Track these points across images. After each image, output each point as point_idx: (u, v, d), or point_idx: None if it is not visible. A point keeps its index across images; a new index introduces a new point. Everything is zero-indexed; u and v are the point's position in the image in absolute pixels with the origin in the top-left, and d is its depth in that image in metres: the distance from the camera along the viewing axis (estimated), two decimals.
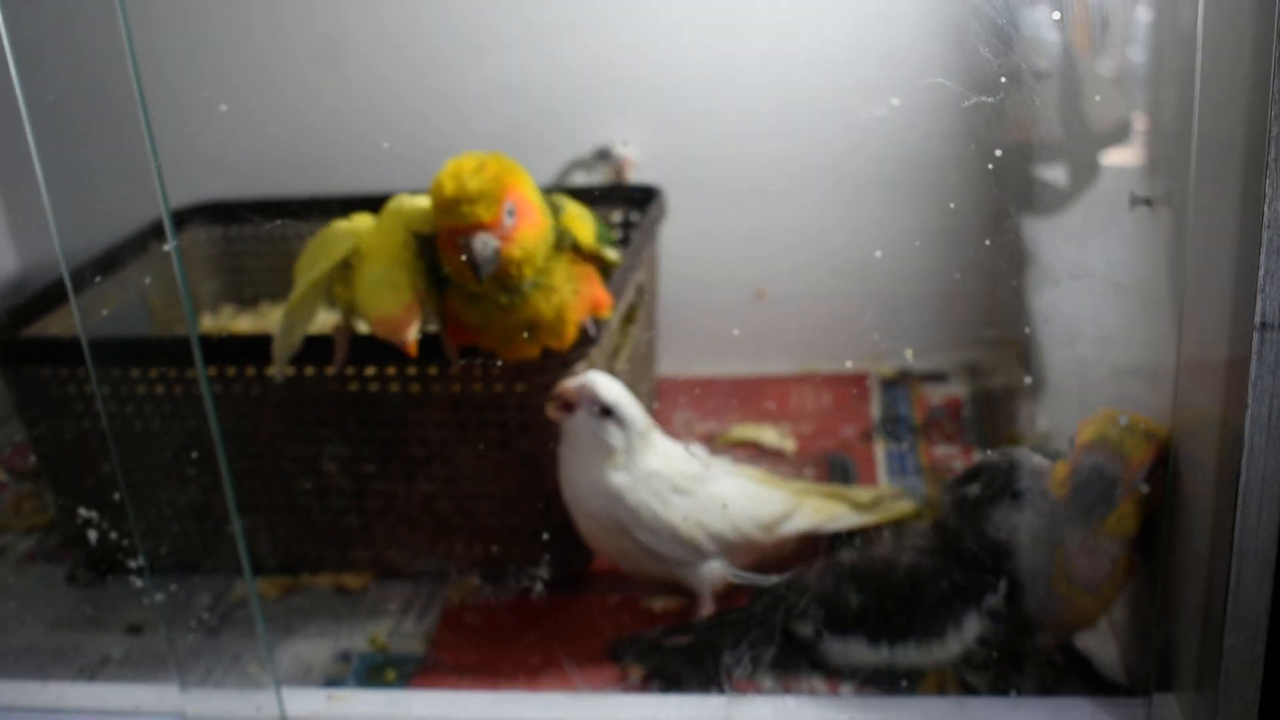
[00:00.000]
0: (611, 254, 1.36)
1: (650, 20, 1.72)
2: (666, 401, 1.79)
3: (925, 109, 1.52)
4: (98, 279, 1.50)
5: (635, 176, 1.79)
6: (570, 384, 1.27)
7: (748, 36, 1.69)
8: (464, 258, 1.18)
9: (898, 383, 1.81)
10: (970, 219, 1.57)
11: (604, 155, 1.80)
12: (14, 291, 1.91)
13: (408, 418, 1.35)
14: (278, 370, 1.31)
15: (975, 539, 1.11)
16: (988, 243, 1.28)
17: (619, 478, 1.26)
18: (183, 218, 1.83)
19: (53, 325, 1.53)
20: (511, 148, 1.25)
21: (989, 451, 1.53)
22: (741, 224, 1.78)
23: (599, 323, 1.32)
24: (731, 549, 1.29)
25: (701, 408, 1.79)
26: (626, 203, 1.71)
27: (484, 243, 1.17)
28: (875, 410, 1.75)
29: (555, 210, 1.28)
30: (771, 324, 1.84)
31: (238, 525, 1.13)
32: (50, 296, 1.54)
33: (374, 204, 1.33)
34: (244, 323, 1.86)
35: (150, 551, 1.42)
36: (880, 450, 1.64)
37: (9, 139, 1.03)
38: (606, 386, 1.26)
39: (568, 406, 1.27)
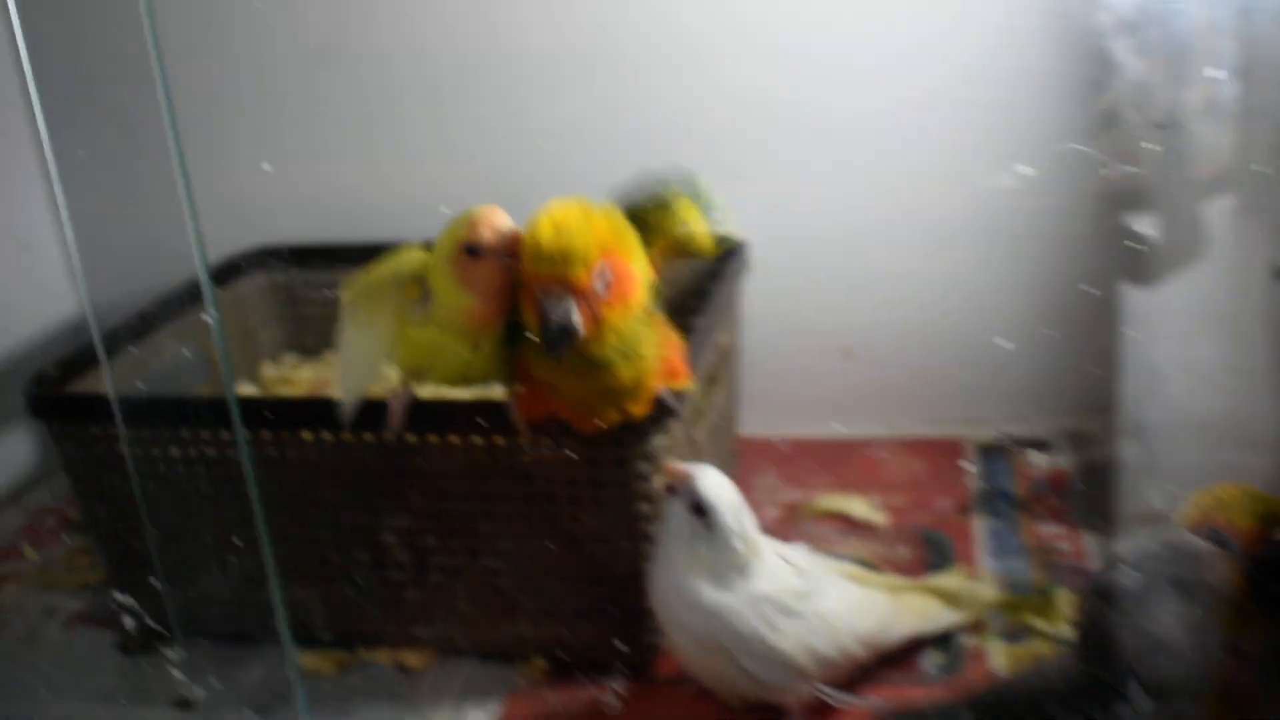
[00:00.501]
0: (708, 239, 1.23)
1: (748, 64, 1.63)
2: (748, 464, 1.68)
3: (1052, 175, 1.43)
4: (133, 348, 1.45)
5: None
6: (679, 466, 1.16)
7: (859, 88, 1.60)
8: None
9: (996, 451, 1.68)
10: (1079, 280, 1.48)
11: None
12: (74, 337, 1.86)
13: (471, 488, 1.26)
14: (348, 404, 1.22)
15: (1126, 638, 0.96)
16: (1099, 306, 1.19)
17: (716, 594, 1.13)
18: (245, 262, 1.77)
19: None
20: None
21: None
22: (832, 279, 1.68)
23: (679, 394, 1.21)
24: (833, 668, 1.17)
25: (785, 472, 1.68)
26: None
27: (563, 307, 1.05)
28: (972, 481, 1.62)
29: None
30: (861, 384, 1.73)
31: (280, 611, 1.04)
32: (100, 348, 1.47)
33: None
34: (306, 372, 1.78)
35: (196, 620, 1.35)
36: (979, 526, 1.52)
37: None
38: (709, 485, 1.14)
39: (671, 486, 1.16)
